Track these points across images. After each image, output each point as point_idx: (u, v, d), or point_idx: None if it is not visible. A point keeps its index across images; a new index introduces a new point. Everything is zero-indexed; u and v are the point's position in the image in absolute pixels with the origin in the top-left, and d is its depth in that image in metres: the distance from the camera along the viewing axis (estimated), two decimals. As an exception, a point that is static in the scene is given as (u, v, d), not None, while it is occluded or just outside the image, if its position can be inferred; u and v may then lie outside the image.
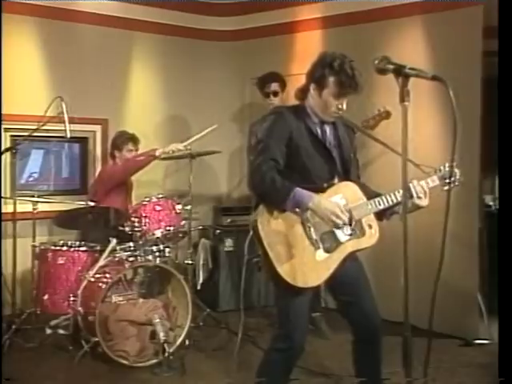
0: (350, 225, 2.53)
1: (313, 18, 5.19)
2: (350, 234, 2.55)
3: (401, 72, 1.80)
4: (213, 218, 5.52)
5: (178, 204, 4.26)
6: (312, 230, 2.47)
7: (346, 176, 2.64)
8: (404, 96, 1.77)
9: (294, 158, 2.52)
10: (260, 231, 2.43)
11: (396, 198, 2.56)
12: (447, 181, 2.62)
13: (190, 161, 4.43)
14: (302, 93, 2.63)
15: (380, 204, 2.57)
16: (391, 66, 1.84)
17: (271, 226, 2.44)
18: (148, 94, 5.48)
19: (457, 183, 2.71)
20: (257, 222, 2.44)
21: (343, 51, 2.56)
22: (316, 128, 2.60)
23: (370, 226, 2.58)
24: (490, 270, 4.30)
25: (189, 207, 4.33)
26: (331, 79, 2.48)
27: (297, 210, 2.43)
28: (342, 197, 2.54)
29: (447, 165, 2.65)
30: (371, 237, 2.58)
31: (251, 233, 2.48)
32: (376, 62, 1.88)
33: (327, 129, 2.63)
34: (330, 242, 2.51)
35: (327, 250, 2.50)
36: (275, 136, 2.51)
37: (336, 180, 2.61)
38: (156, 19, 5.37)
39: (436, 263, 1.85)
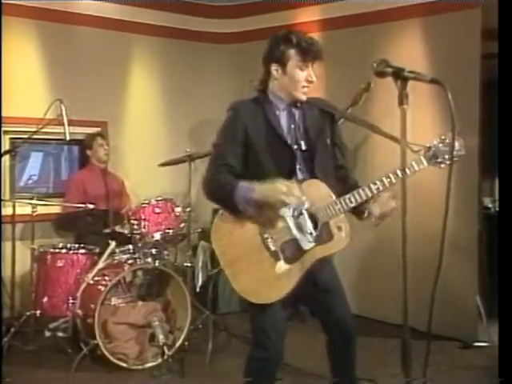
0: (316, 229, 2.29)
1: (312, 20, 5.20)
2: (315, 241, 2.29)
3: (399, 75, 1.80)
4: (212, 220, 5.50)
5: (178, 206, 4.26)
6: (269, 240, 2.29)
7: (311, 167, 2.38)
8: (403, 99, 1.77)
9: (251, 157, 2.36)
10: (215, 246, 2.31)
11: (371, 192, 2.28)
12: (442, 157, 2.35)
13: (189, 163, 4.43)
14: (262, 83, 2.50)
15: (351, 201, 2.29)
16: (390, 69, 1.83)
17: (227, 239, 2.30)
18: (147, 97, 5.48)
19: (456, 158, 2.32)
20: (212, 238, 2.31)
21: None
22: (279, 116, 2.41)
23: (340, 229, 2.31)
24: (489, 272, 4.31)
25: (188, 210, 4.33)
26: (292, 51, 2.36)
27: (247, 208, 2.23)
28: (305, 198, 2.25)
29: (438, 141, 2.40)
30: (340, 241, 2.31)
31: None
32: (375, 64, 1.87)
33: (296, 114, 2.44)
34: (292, 252, 2.28)
35: (289, 261, 2.28)
36: (229, 137, 2.38)
37: (300, 175, 2.36)
38: (155, 21, 5.38)
39: (435, 265, 1.85)
